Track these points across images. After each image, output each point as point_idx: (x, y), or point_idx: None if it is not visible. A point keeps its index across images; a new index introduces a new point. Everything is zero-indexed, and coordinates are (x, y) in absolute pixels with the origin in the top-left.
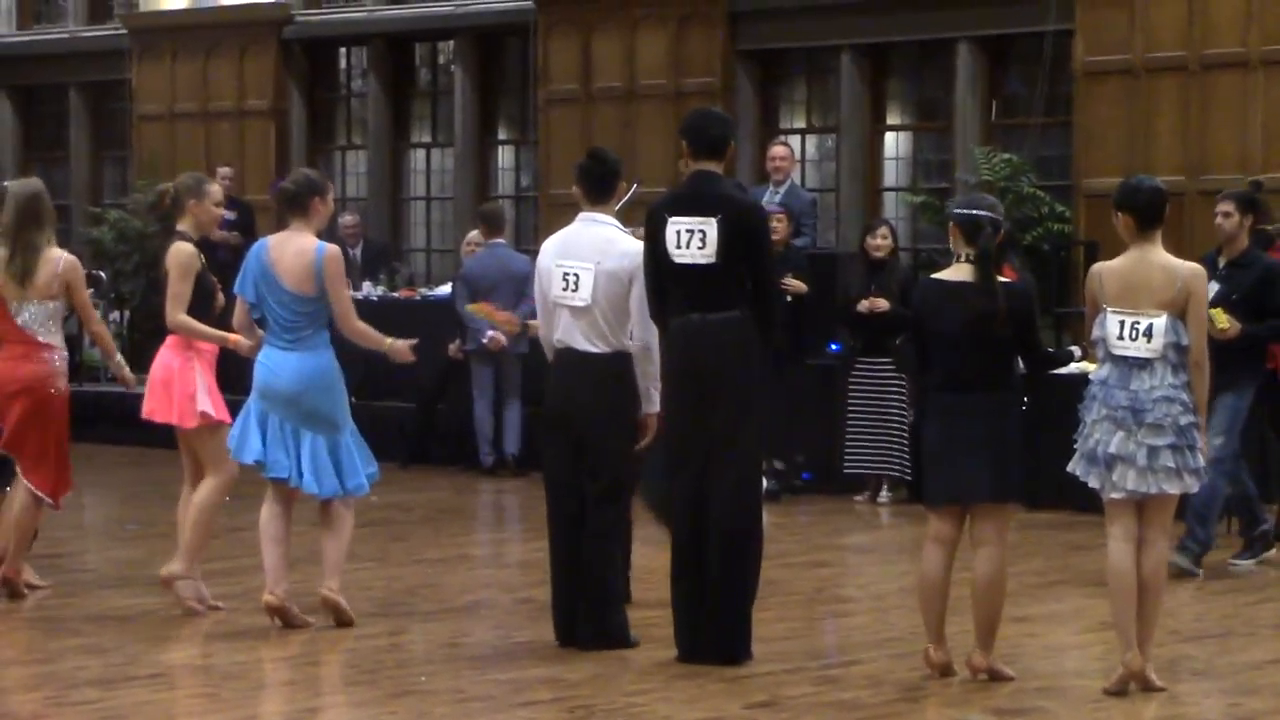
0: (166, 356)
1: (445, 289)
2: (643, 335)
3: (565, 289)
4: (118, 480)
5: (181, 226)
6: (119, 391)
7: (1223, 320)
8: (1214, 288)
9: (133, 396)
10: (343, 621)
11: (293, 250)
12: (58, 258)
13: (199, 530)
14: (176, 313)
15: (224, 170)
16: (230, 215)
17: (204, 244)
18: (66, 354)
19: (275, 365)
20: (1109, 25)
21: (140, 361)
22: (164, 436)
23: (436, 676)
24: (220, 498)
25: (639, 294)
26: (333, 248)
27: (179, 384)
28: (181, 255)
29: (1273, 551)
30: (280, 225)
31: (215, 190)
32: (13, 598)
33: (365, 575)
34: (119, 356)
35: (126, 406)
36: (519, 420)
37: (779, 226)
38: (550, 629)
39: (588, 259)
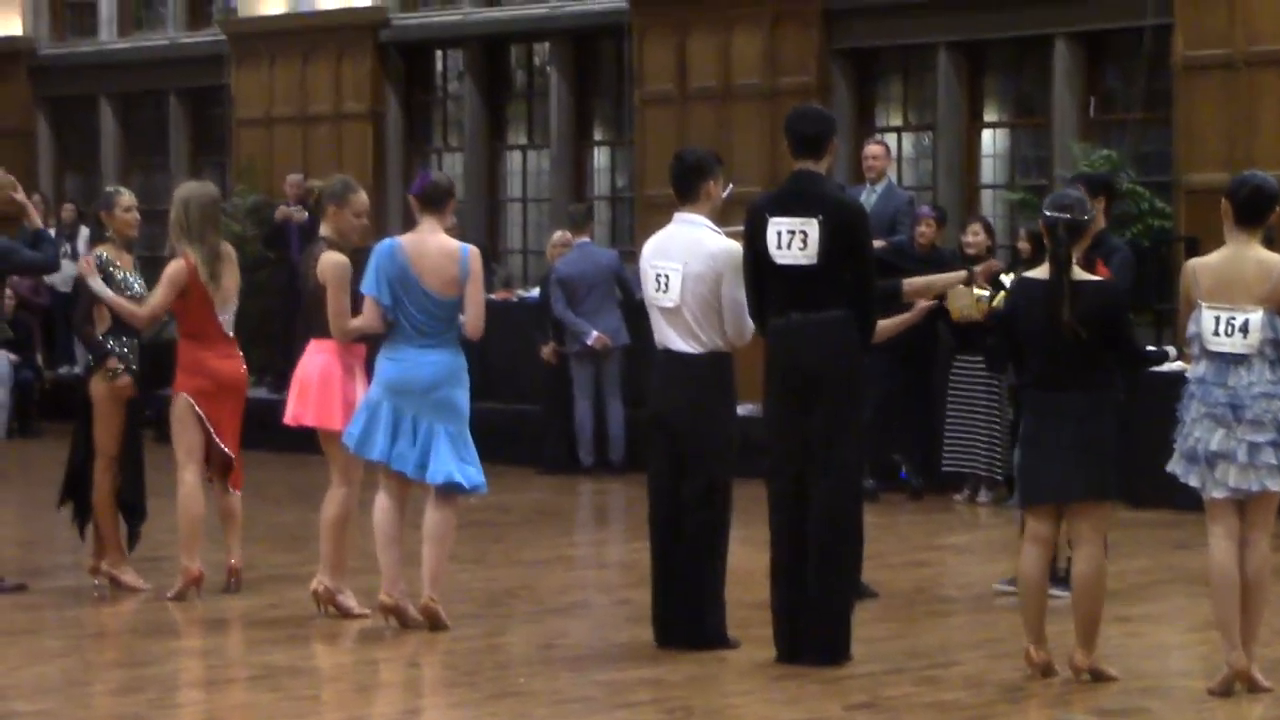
0: (324, 362)
1: (536, 291)
2: (736, 331)
3: (657, 290)
4: None
5: (324, 231)
6: None
7: (968, 299)
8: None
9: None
10: (437, 627)
11: (435, 251)
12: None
13: (338, 543)
14: (345, 324)
15: (293, 178)
16: (304, 215)
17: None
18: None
19: (413, 361)
20: (1209, 18)
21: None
22: (261, 439)
23: (535, 678)
24: (350, 508)
25: (728, 293)
26: (475, 248)
27: (340, 389)
28: (337, 269)
29: None
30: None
31: (358, 200)
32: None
33: (464, 577)
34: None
35: None
36: (621, 422)
37: (927, 231)
38: (649, 630)
39: (677, 260)
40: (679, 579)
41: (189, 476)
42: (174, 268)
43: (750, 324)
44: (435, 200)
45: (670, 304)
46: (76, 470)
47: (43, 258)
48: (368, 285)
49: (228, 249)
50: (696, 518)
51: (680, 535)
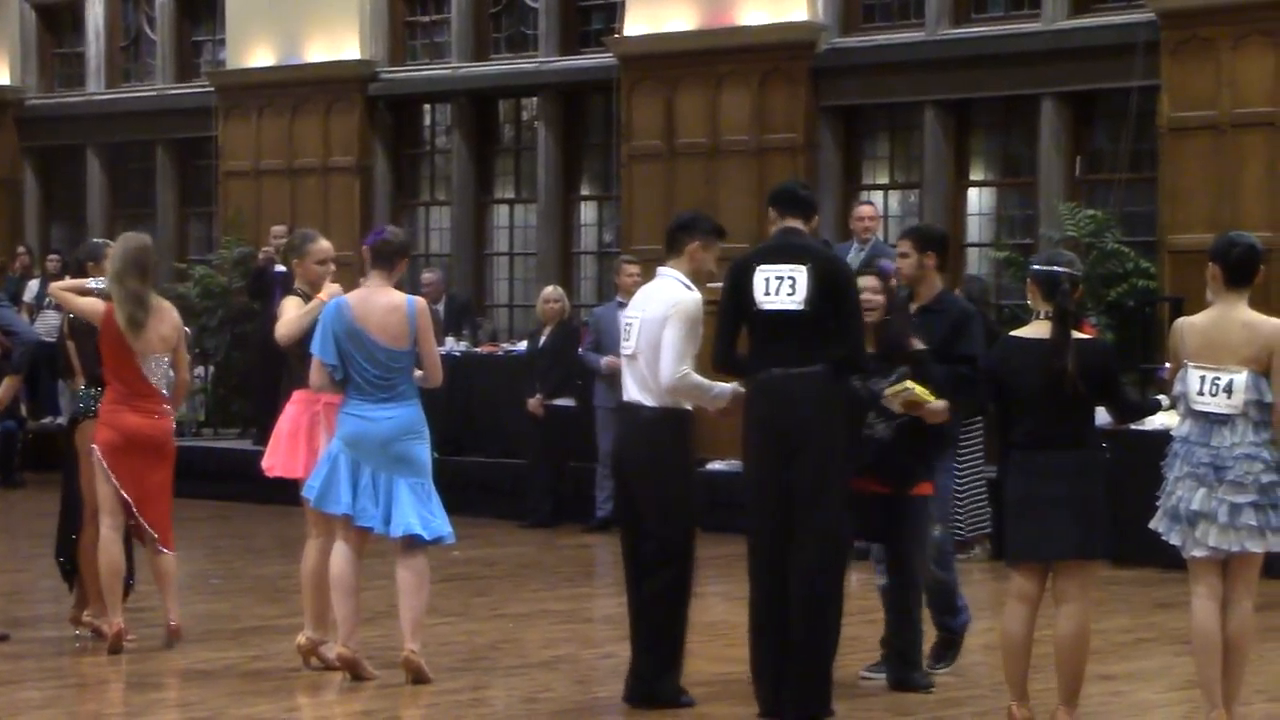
0: (295, 413)
1: (523, 344)
2: (661, 375)
3: (624, 338)
4: (200, 535)
5: (298, 284)
6: (202, 446)
7: (925, 395)
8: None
9: (219, 451)
10: (420, 681)
11: (382, 306)
12: (169, 309)
13: (320, 594)
14: (282, 328)
15: (277, 229)
16: (282, 268)
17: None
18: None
19: (370, 415)
20: (1195, 80)
21: (224, 416)
22: (246, 492)
23: None
24: (327, 558)
25: (665, 334)
26: (421, 300)
27: (305, 439)
28: (288, 304)
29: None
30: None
31: (316, 248)
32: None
33: (447, 630)
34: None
35: (209, 462)
36: None
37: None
38: None
39: (640, 309)
40: (636, 638)
41: (105, 530)
42: (93, 303)
43: (672, 373)
44: (385, 256)
45: (629, 351)
46: (67, 521)
47: (24, 333)
48: (315, 346)
49: (163, 303)
50: (652, 579)
51: (639, 594)
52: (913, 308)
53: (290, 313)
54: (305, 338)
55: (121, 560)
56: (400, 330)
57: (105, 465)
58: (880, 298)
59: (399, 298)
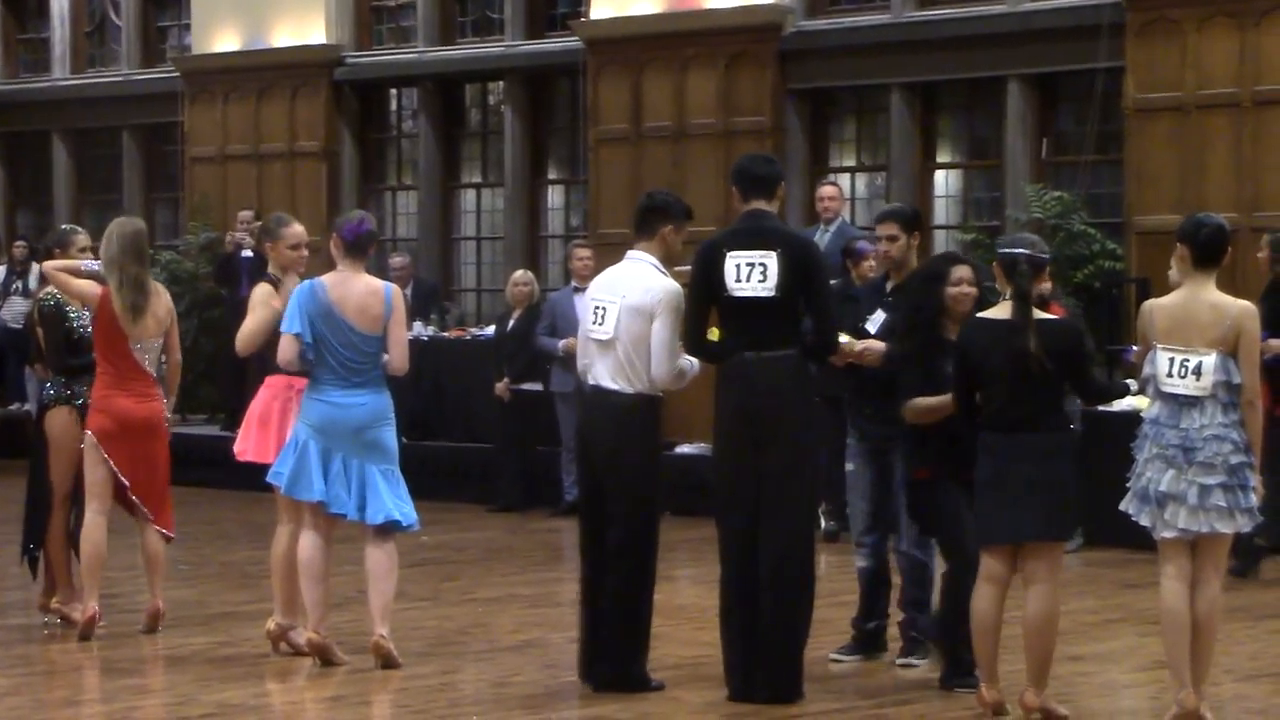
0: (266, 397)
1: (491, 329)
2: (659, 372)
3: (594, 322)
4: None
5: (271, 268)
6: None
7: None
8: (880, 317)
9: (186, 437)
10: (390, 666)
11: (360, 291)
12: (162, 292)
13: (288, 580)
14: (244, 338)
15: (244, 214)
16: (249, 253)
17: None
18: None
19: (341, 402)
20: (1160, 62)
21: (192, 402)
22: (214, 478)
23: (488, 716)
24: (296, 543)
25: (659, 331)
26: (396, 286)
27: (277, 425)
28: (257, 292)
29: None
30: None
31: (289, 233)
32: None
33: (417, 614)
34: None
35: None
36: None
37: (876, 266)
38: None
39: (617, 293)
40: (604, 623)
41: (90, 514)
42: (90, 285)
43: (671, 369)
44: (363, 246)
45: (604, 336)
46: (37, 510)
47: None
48: (289, 323)
49: (157, 286)
50: (617, 566)
51: (605, 579)
52: (888, 287)
53: (249, 320)
54: (271, 338)
55: (105, 545)
56: (377, 313)
57: (102, 451)
58: (975, 290)
59: (377, 283)
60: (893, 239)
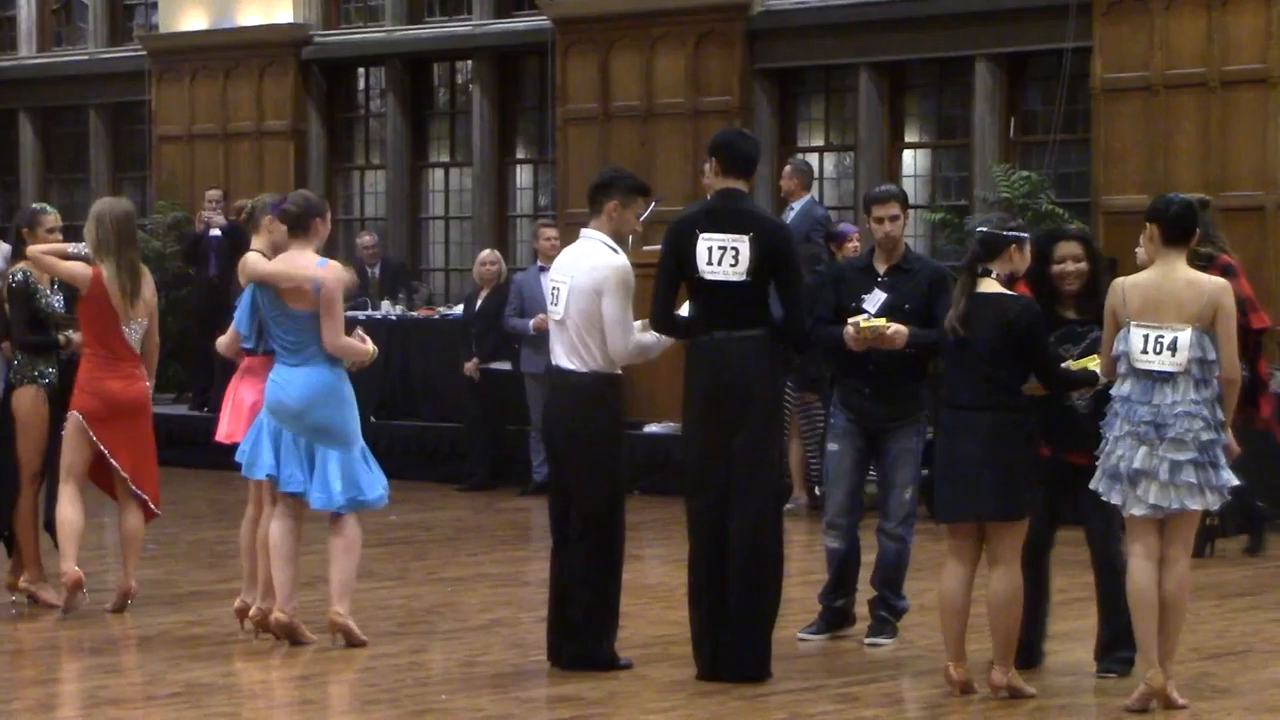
0: (238, 379)
1: (460, 309)
2: (614, 349)
3: (551, 302)
4: None
5: (257, 245)
6: None
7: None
8: (879, 297)
9: (154, 416)
10: (354, 643)
11: (296, 268)
12: (146, 273)
13: (257, 559)
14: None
15: (212, 193)
16: (217, 232)
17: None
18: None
19: (284, 381)
20: (1128, 42)
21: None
22: (181, 457)
23: (456, 695)
24: (268, 524)
25: (608, 309)
26: (333, 267)
27: (249, 406)
28: (246, 265)
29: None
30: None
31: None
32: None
33: (384, 594)
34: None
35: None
36: None
37: (859, 247)
38: None
39: (567, 273)
40: (571, 602)
41: (66, 490)
42: (80, 267)
43: (625, 345)
44: (291, 225)
45: (558, 316)
46: (4, 489)
47: None
48: (238, 316)
49: (142, 267)
50: (579, 547)
51: (571, 559)
52: (880, 269)
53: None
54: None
55: (81, 519)
56: (306, 290)
57: (90, 434)
58: (1084, 265)
59: (313, 259)
60: (894, 218)
